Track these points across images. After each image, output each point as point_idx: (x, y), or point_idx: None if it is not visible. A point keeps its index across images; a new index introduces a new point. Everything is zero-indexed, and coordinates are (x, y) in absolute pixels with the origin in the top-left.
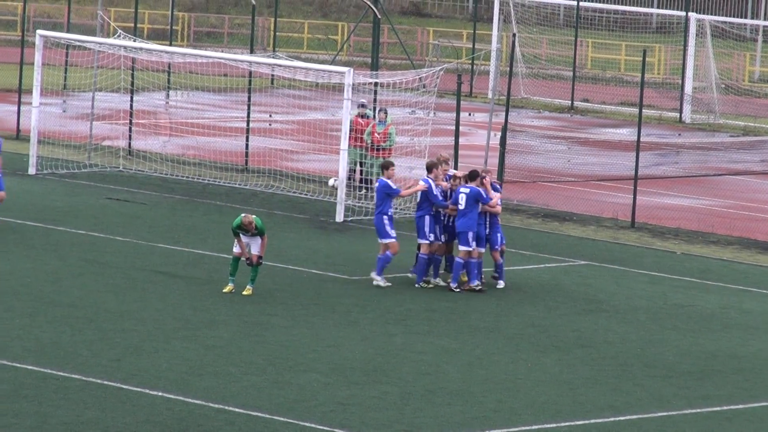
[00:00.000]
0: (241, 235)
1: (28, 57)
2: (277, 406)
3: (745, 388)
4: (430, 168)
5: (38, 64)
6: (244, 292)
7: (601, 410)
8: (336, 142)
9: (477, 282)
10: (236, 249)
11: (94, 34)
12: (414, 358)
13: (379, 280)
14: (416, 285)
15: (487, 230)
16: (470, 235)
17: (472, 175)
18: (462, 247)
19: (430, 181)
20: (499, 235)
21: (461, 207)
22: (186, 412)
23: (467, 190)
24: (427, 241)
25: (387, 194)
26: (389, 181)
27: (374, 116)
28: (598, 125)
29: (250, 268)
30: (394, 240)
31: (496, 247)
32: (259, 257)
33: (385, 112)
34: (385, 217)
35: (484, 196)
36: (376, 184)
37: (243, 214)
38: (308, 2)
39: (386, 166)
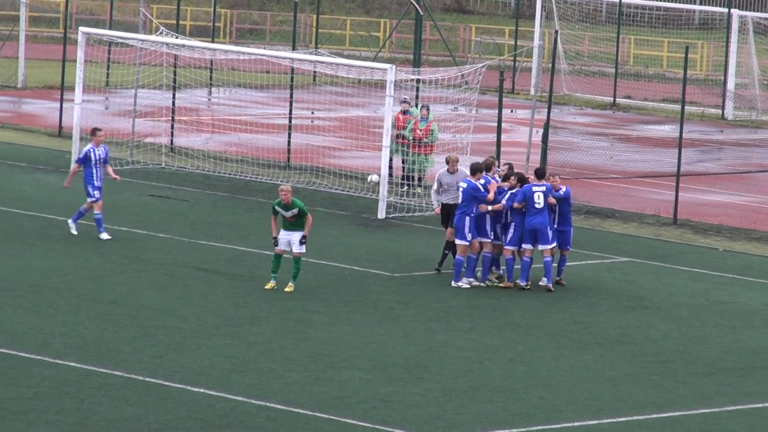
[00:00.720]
0: (280, 211)
1: (71, 54)
2: (318, 403)
3: None
4: (489, 167)
5: (81, 61)
6: (286, 289)
7: (643, 407)
8: (378, 139)
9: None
10: (277, 247)
11: (136, 31)
12: (456, 355)
13: (462, 283)
14: (453, 284)
15: (562, 227)
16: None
17: (539, 174)
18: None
19: (489, 179)
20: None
21: (538, 205)
22: (228, 408)
23: (542, 188)
24: (466, 242)
25: (474, 197)
26: (478, 184)
27: (417, 113)
28: (641, 122)
29: (292, 265)
30: (468, 243)
31: (566, 246)
32: (303, 237)
33: (428, 109)
34: (467, 218)
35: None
36: (464, 185)
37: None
38: None
39: (483, 169)
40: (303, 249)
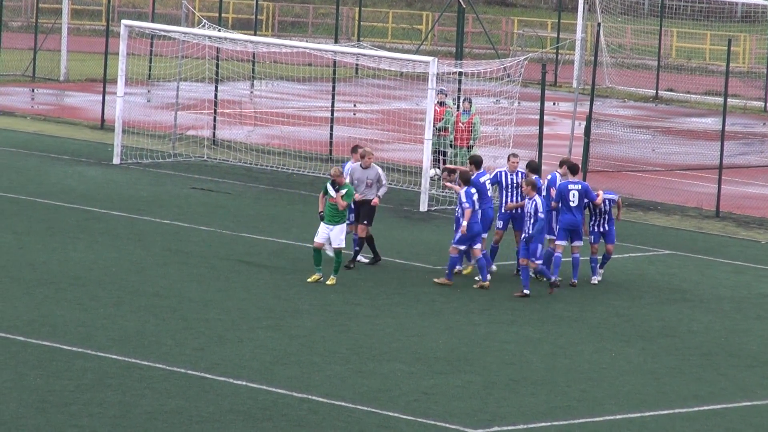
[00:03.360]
0: (329, 191)
1: (113, 47)
2: (360, 396)
3: None
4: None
5: (123, 54)
6: (328, 282)
7: (685, 400)
8: (420, 132)
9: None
10: (317, 239)
11: (178, 24)
12: (498, 348)
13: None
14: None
15: (605, 226)
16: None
17: (573, 169)
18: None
19: (557, 175)
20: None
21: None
22: (269, 401)
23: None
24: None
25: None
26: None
27: (458, 106)
28: (683, 114)
29: (333, 258)
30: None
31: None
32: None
33: (470, 102)
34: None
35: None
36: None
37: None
38: None
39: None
40: (342, 243)
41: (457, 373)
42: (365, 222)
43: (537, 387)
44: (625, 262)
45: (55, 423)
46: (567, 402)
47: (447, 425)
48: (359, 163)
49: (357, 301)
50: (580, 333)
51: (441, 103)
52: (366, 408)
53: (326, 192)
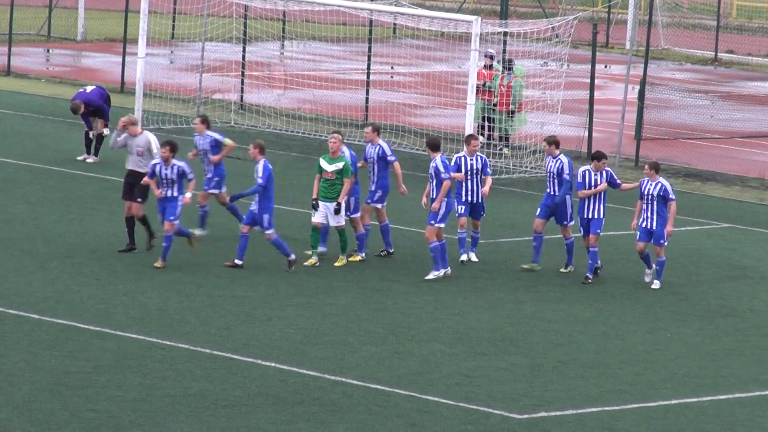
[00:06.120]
0: (323, 167)
1: (134, 4)
2: (397, 378)
3: None
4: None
5: (144, 12)
6: (336, 264)
7: (746, 384)
8: (462, 96)
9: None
10: (315, 219)
11: None
12: (545, 328)
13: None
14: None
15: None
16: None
17: (656, 167)
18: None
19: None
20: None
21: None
22: (301, 384)
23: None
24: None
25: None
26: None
27: (502, 68)
28: (744, 78)
29: (339, 238)
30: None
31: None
32: (338, 204)
33: (509, 64)
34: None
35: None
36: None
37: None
38: None
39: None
40: (342, 221)
41: (501, 354)
42: (139, 200)
43: (587, 370)
44: (682, 236)
45: (71, 407)
46: (619, 385)
47: (490, 410)
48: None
49: (394, 277)
50: (633, 312)
51: (489, 67)
52: (404, 392)
53: (320, 170)
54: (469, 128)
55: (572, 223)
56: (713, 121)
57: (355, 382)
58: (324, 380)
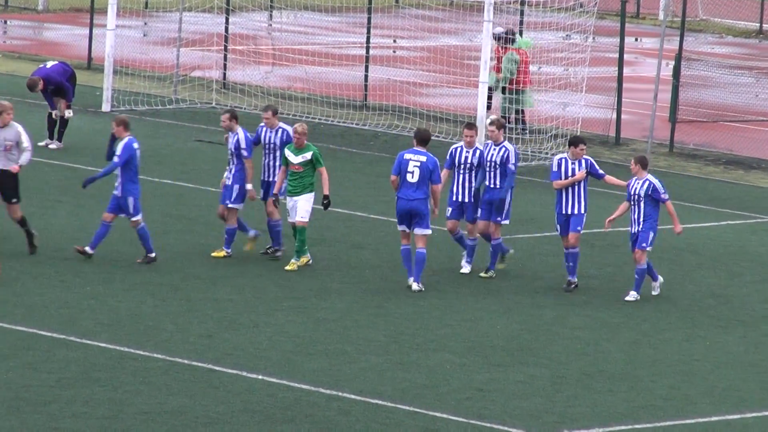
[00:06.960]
0: (289, 158)
1: None
2: (401, 393)
3: None
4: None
5: None
6: (287, 268)
7: None
8: (474, 73)
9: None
10: (290, 218)
11: None
12: (567, 335)
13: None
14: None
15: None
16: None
17: (643, 162)
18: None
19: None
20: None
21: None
22: (291, 399)
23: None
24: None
25: None
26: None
27: (525, 43)
28: None
29: (296, 237)
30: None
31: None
32: (326, 198)
33: (513, 35)
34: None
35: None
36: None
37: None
38: None
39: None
40: (306, 217)
41: (518, 365)
42: (14, 200)
43: (615, 383)
44: (723, 231)
45: (32, 425)
46: (651, 401)
47: (506, 428)
48: None
49: (397, 277)
50: (668, 317)
51: (499, 38)
52: (408, 407)
53: (286, 162)
54: (482, 108)
55: (507, 221)
56: (758, 101)
57: (352, 396)
58: (318, 395)
